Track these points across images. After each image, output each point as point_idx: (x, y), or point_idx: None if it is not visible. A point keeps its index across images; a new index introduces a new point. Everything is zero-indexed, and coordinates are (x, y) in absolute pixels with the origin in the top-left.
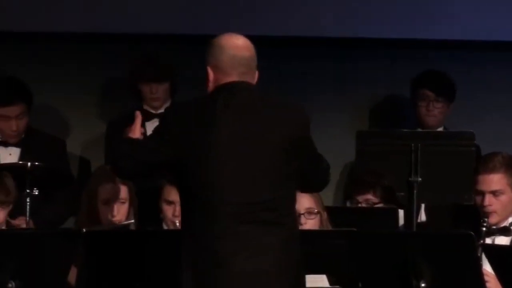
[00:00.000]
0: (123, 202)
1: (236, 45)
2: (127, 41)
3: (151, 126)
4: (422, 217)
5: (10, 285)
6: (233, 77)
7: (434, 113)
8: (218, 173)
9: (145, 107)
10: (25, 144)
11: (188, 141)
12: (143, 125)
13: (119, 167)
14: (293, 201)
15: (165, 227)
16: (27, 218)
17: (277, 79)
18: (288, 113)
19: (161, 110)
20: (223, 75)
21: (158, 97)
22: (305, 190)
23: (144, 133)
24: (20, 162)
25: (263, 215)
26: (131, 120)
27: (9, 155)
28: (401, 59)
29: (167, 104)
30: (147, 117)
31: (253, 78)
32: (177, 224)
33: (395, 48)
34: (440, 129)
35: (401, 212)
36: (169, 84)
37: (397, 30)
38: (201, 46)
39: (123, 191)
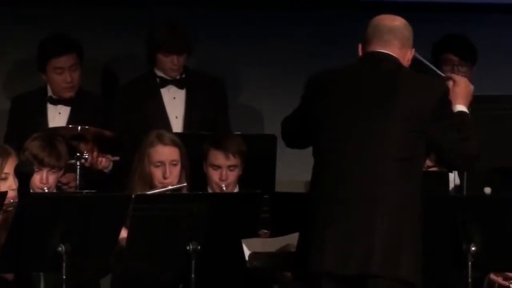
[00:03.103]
0: (175, 164)
1: (382, 17)
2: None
3: (166, 92)
4: (456, 180)
5: (60, 248)
6: (374, 46)
7: None
8: (329, 141)
9: (159, 73)
10: (76, 103)
11: (315, 107)
12: (158, 92)
13: (283, 135)
14: (410, 172)
15: (209, 191)
16: (77, 182)
17: (303, 41)
18: (418, 84)
19: (178, 77)
20: (367, 46)
21: (179, 67)
22: (444, 166)
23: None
24: (70, 126)
25: (367, 187)
26: (144, 86)
27: (58, 114)
28: (421, 22)
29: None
30: (162, 83)
31: (399, 49)
32: (224, 188)
33: (414, 11)
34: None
35: (451, 176)
36: (187, 53)
37: None
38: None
39: (175, 154)
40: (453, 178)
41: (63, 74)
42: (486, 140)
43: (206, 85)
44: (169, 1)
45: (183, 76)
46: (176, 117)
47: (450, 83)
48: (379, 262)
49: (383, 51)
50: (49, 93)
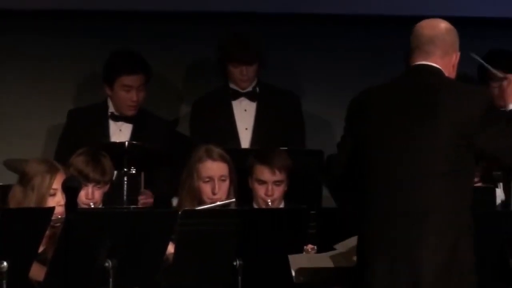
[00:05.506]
0: (224, 180)
1: (423, 25)
2: (209, 19)
3: (238, 105)
4: (503, 196)
5: (107, 264)
6: (416, 59)
7: None
8: (375, 157)
9: (232, 86)
10: (137, 121)
11: (358, 126)
12: (229, 104)
13: (328, 179)
14: (458, 196)
15: (255, 206)
16: (124, 197)
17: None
18: (461, 95)
19: (249, 89)
20: (410, 57)
21: (248, 78)
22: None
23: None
24: (117, 141)
25: (414, 203)
26: (216, 99)
27: (119, 131)
28: (467, 37)
29: (254, 83)
30: (234, 96)
31: (441, 59)
32: (269, 203)
33: (459, 26)
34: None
35: (498, 191)
36: (258, 64)
37: (463, 9)
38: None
39: (224, 169)
40: (500, 194)
41: (130, 92)
42: None
43: (279, 99)
44: (235, 16)
45: (256, 89)
46: (246, 129)
47: (505, 83)
48: (429, 282)
49: (424, 63)
50: (110, 109)
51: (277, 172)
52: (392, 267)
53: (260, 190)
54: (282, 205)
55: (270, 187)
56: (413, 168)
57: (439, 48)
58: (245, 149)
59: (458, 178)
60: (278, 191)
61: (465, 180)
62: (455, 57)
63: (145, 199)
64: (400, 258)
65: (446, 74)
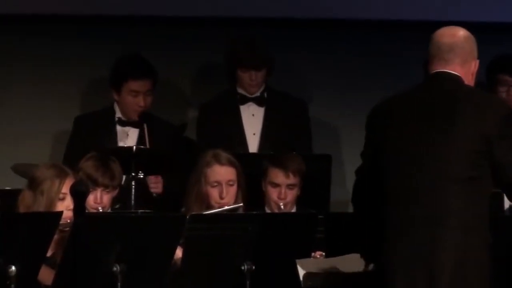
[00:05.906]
0: (232, 185)
1: (442, 33)
2: (216, 24)
3: (246, 109)
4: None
5: (115, 268)
6: (435, 66)
7: None
8: (394, 162)
9: (240, 90)
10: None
11: (379, 133)
12: (237, 109)
13: (354, 196)
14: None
15: (267, 210)
16: (132, 202)
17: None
18: (480, 104)
19: (257, 94)
20: (430, 65)
21: (257, 83)
22: (502, 189)
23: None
24: (125, 146)
25: (433, 209)
26: (223, 103)
27: (127, 136)
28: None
29: (262, 88)
30: (242, 100)
31: (461, 66)
32: (282, 207)
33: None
34: None
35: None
36: (266, 69)
37: (471, 13)
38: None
39: (232, 174)
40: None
41: (137, 97)
42: None
43: (287, 105)
44: (242, 21)
45: (264, 94)
46: (254, 134)
47: None
48: (445, 283)
49: (444, 70)
50: (117, 114)
51: (291, 176)
52: (409, 269)
53: (273, 193)
54: (294, 209)
55: (283, 190)
56: (431, 174)
57: (459, 56)
58: (254, 154)
59: (476, 184)
60: (291, 194)
61: (485, 186)
62: (474, 65)
63: (155, 182)
64: (417, 261)
65: (466, 82)
